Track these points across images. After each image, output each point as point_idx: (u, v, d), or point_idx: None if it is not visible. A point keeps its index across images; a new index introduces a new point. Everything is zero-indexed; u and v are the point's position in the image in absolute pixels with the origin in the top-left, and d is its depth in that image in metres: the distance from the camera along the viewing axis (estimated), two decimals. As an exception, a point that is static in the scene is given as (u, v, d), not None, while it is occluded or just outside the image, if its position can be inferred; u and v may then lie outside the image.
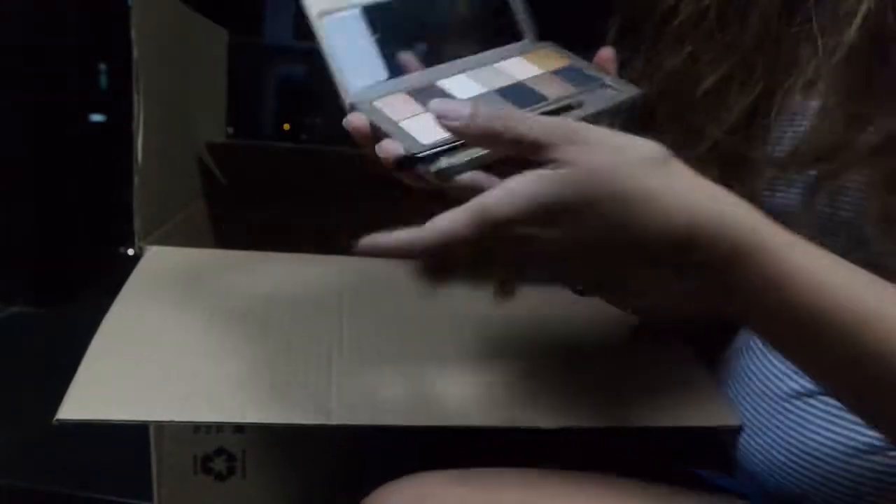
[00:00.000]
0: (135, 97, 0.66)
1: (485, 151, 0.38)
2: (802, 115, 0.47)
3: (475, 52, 0.48)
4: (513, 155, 0.36)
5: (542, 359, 0.54)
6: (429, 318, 0.57)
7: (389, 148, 0.39)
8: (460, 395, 0.50)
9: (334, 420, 0.47)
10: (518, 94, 0.45)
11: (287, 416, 0.46)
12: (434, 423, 0.48)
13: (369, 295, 0.60)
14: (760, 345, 0.52)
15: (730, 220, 0.34)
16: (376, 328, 0.56)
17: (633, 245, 0.34)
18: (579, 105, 0.43)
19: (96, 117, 1.97)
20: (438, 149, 0.39)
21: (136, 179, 0.67)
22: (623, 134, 0.35)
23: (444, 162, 0.39)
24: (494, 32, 0.49)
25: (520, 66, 0.48)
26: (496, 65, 0.48)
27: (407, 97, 0.45)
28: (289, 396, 0.48)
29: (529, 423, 0.48)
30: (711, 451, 0.38)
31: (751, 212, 0.35)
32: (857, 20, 0.40)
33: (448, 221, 0.34)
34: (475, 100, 0.44)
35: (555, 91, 0.45)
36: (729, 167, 0.50)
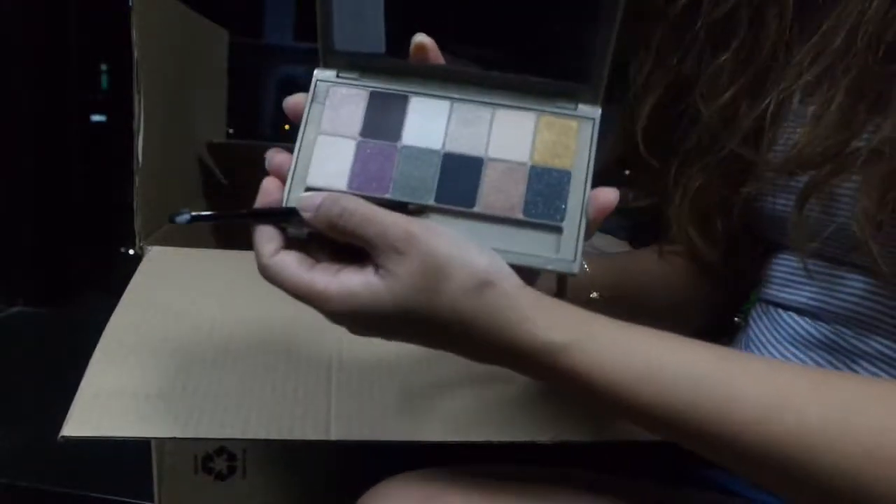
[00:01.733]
0: (135, 97, 0.66)
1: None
2: (799, 119, 0.47)
3: (514, 69, 0.40)
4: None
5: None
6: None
7: (276, 161, 0.40)
8: (460, 409, 0.50)
9: (333, 435, 0.47)
10: (457, 177, 0.39)
11: (287, 431, 0.47)
12: (433, 439, 0.48)
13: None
14: (757, 348, 0.52)
15: (538, 348, 0.36)
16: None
17: (444, 347, 0.38)
18: (495, 251, 0.37)
19: (97, 117, 1.97)
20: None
21: (136, 179, 0.67)
22: (454, 247, 0.36)
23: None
24: (556, 56, 0.41)
25: (517, 129, 0.40)
26: (499, 110, 0.40)
27: (365, 100, 0.40)
28: (288, 410, 0.48)
29: (528, 438, 0.48)
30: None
31: (562, 329, 0.36)
32: (860, 26, 0.40)
33: (291, 277, 0.37)
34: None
35: (496, 198, 0.38)
36: (733, 174, 0.51)
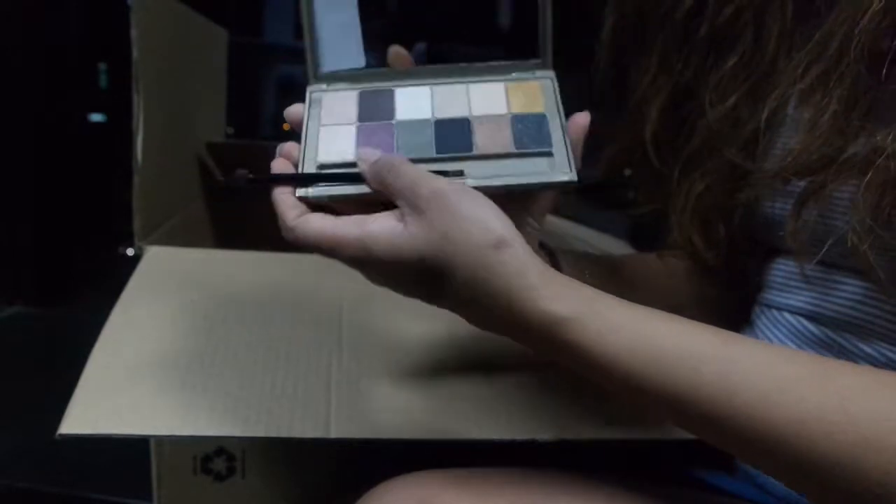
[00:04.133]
0: (135, 97, 0.66)
1: (348, 192, 0.41)
2: (795, 126, 0.47)
3: (477, 57, 0.47)
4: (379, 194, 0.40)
5: (542, 371, 0.54)
6: (428, 327, 0.57)
7: (286, 148, 0.44)
8: (460, 407, 0.50)
9: (333, 434, 0.47)
10: (452, 134, 0.44)
11: (286, 429, 0.46)
12: (433, 437, 0.48)
13: (369, 297, 0.60)
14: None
15: (538, 317, 0.36)
16: (376, 334, 0.56)
17: (451, 306, 0.40)
18: (499, 178, 0.42)
19: (96, 117, 1.97)
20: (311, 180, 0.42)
21: (135, 179, 0.67)
22: (477, 206, 0.38)
23: (310, 191, 0.42)
24: (509, 41, 0.48)
25: (491, 96, 0.46)
26: (472, 85, 0.47)
27: (357, 98, 0.47)
28: (288, 409, 0.48)
29: (527, 436, 0.48)
30: (711, 452, 0.38)
31: (565, 302, 0.36)
32: (854, 35, 0.40)
33: (317, 230, 0.40)
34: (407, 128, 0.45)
35: (490, 142, 0.44)
36: (734, 179, 0.50)
